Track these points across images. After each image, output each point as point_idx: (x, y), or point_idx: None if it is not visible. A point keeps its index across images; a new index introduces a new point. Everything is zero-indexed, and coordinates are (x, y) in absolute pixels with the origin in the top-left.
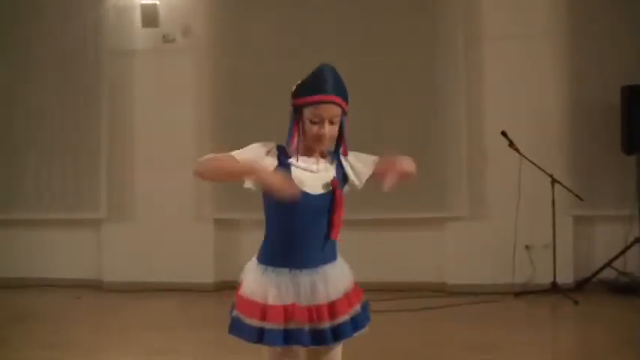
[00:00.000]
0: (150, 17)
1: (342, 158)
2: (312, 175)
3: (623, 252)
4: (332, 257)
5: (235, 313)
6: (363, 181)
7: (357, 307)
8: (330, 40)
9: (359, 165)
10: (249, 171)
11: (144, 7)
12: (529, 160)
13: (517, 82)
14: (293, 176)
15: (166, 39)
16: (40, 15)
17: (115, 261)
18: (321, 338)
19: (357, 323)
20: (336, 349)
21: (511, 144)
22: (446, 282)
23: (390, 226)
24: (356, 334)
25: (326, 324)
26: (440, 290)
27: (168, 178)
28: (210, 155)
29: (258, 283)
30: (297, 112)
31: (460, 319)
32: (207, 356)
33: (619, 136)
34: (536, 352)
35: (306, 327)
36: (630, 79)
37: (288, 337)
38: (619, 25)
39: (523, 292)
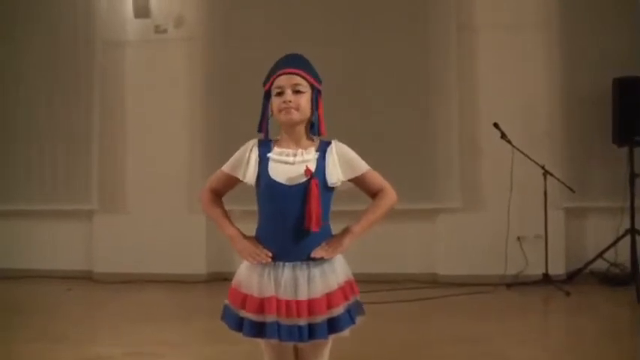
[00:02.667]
0: (142, 8)
1: (329, 151)
2: (288, 166)
3: (614, 243)
4: None
5: (226, 301)
6: (333, 182)
7: (340, 309)
8: (322, 30)
9: (341, 164)
10: (227, 236)
11: None
12: (521, 152)
13: (509, 73)
14: (270, 168)
15: (158, 29)
16: (32, 4)
17: (106, 252)
18: (297, 334)
19: (335, 325)
20: (321, 346)
21: (503, 135)
22: (437, 273)
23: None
24: (331, 336)
25: (303, 321)
26: (432, 281)
27: (161, 169)
28: (206, 192)
29: (245, 273)
30: (267, 97)
31: (452, 310)
32: (199, 347)
33: (610, 128)
34: (528, 343)
35: (282, 321)
36: (622, 71)
37: (263, 330)
38: (611, 16)
39: (515, 283)
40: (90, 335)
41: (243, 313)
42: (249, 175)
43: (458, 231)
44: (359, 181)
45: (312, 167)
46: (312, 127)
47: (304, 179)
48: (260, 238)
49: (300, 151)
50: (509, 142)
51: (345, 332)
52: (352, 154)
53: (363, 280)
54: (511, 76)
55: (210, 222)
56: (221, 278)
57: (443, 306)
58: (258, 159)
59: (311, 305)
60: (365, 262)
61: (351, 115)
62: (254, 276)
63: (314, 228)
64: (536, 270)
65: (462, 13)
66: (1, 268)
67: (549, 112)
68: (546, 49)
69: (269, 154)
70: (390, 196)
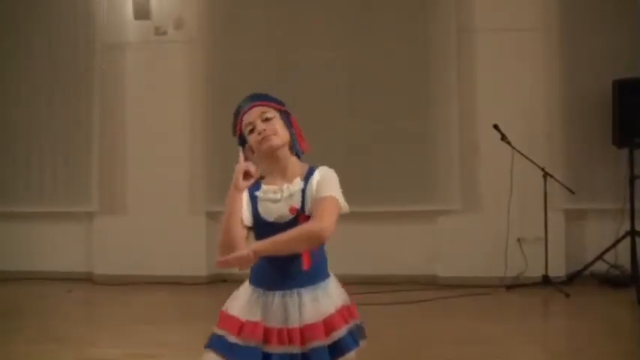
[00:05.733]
0: (142, 9)
1: (312, 179)
2: (275, 204)
3: (614, 245)
4: (313, 280)
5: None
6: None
7: (341, 331)
8: (322, 32)
9: (314, 187)
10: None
11: None
12: (521, 154)
13: (509, 75)
14: (260, 207)
15: (158, 31)
16: (32, 6)
17: (106, 254)
18: None
19: (338, 349)
20: None
21: (503, 137)
22: (437, 275)
23: (382, 219)
24: None
25: (296, 348)
26: (431, 283)
27: (161, 170)
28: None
29: (237, 298)
30: (242, 143)
31: (451, 311)
32: (198, 349)
33: (610, 130)
34: (528, 345)
35: (274, 349)
36: (622, 72)
37: (235, 350)
38: (611, 17)
39: (515, 285)
40: (89, 337)
41: (219, 331)
42: (246, 218)
43: (458, 232)
44: (314, 202)
45: (297, 202)
46: (293, 148)
47: (292, 216)
48: (253, 271)
49: (285, 185)
50: (508, 143)
51: (352, 354)
52: (329, 178)
53: (363, 282)
54: (511, 78)
55: (210, 223)
56: (221, 280)
57: (443, 307)
58: (248, 199)
59: (304, 332)
60: (365, 263)
61: (351, 116)
62: (243, 301)
63: (305, 267)
64: (536, 272)
65: (461, 16)
66: (2, 270)
67: (549, 113)
68: (546, 51)
69: (257, 193)
70: (311, 227)
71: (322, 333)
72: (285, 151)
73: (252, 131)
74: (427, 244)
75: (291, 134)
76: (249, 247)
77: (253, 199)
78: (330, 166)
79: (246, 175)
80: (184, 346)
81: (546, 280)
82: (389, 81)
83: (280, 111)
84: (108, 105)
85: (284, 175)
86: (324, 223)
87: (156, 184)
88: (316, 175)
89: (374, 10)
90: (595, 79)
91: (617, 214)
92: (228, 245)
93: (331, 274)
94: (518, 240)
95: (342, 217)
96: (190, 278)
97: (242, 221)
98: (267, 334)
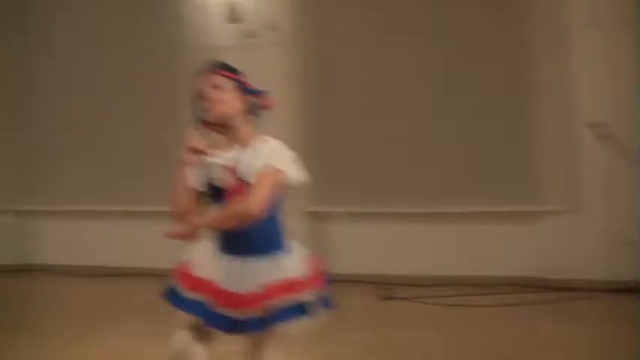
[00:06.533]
0: (234, 13)
1: (260, 148)
2: (222, 164)
3: None
4: (265, 251)
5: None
6: (242, 174)
7: (272, 303)
8: (417, 31)
9: (254, 157)
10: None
11: (227, 2)
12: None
13: (609, 71)
14: (213, 173)
15: (250, 34)
16: (124, 11)
17: None
18: (223, 324)
19: (269, 320)
20: (266, 341)
21: (602, 136)
22: (542, 277)
23: (483, 219)
24: (258, 331)
25: (236, 312)
26: (537, 285)
27: None
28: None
29: (199, 256)
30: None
31: (558, 315)
32: (314, 346)
33: None
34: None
35: (216, 308)
36: None
37: (188, 304)
38: None
39: (623, 289)
40: None
41: (186, 293)
42: (198, 183)
43: (562, 234)
44: (255, 175)
45: (239, 168)
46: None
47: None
48: (217, 236)
49: (238, 149)
50: (610, 143)
51: (287, 327)
52: (275, 150)
53: (463, 284)
54: (612, 74)
55: (312, 224)
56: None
57: (549, 311)
58: (205, 165)
59: (244, 299)
60: (466, 264)
61: (448, 113)
62: (204, 260)
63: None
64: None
65: (555, 13)
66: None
67: None
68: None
69: (210, 159)
70: (240, 206)
71: (259, 302)
72: (236, 120)
73: (202, 99)
74: (531, 244)
75: (247, 104)
76: (194, 220)
77: (208, 165)
78: (431, 166)
79: (195, 150)
80: None
81: None
82: (488, 83)
83: (235, 80)
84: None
85: (237, 143)
86: (251, 200)
87: None
88: (263, 146)
89: (470, 5)
90: None
91: None
92: (175, 216)
93: (293, 249)
94: (627, 242)
95: (446, 218)
96: None
97: (191, 189)
98: (216, 294)
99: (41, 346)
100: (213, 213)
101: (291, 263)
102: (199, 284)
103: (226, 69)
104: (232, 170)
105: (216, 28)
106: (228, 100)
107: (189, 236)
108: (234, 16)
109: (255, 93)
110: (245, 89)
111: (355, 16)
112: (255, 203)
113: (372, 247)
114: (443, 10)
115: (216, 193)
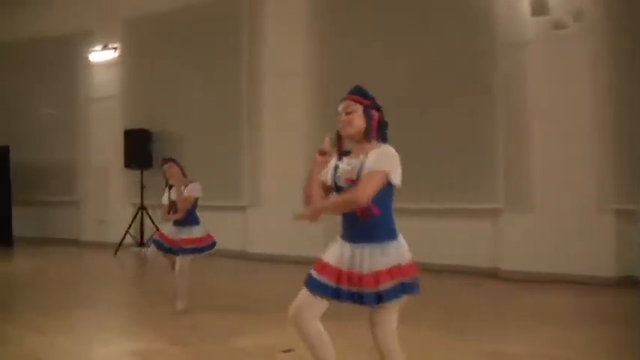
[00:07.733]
0: (539, 5)
1: (371, 154)
2: (345, 168)
3: None
4: (376, 239)
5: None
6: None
7: (384, 285)
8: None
9: (366, 162)
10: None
11: None
12: None
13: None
14: (338, 173)
15: (557, 26)
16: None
17: (512, 250)
18: (348, 297)
19: (381, 297)
20: (382, 312)
21: None
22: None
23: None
24: (376, 305)
25: (355, 289)
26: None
27: (567, 168)
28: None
29: (330, 247)
30: None
31: None
32: (601, 356)
33: None
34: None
35: (334, 285)
36: None
37: (319, 286)
38: None
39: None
40: (494, 331)
41: (316, 275)
42: (327, 179)
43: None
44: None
45: (355, 171)
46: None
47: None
48: (341, 227)
49: (361, 156)
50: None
51: (393, 304)
52: (380, 155)
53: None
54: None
55: (621, 222)
56: (631, 282)
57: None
58: (335, 166)
59: (362, 278)
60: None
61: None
62: (332, 248)
63: (362, 218)
64: None
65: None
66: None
67: None
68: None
69: (338, 162)
70: (350, 195)
71: (372, 282)
72: (360, 136)
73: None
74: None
75: (368, 124)
76: (316, 205)
77: (337, 166)
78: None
79: (323, 152)
80: (586, 350)
81: None
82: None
83: (364, 105)
84: (511, 104)
85: (361, 152)
86: (357, 192)
87: (561, 182)
88: (373, 153)
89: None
90: None
91: None
92: (305, 202)
93: (398, 239)
94: None
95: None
96: (597, 279)
97: (321, 182)
98: (339, 275)
99: None
100: (330, 200)
101: (399, 250)
102: (327, 268)
103: (358, 93)
104: (351, 172)
105: (522, 23)
106: (355, 123)
107: (312, 217)
108: (539, 9)
109: (379, 111)
110: (369, 114)
111: None
112: (360, 194)
113: None
114: None
115: (338, 189)
